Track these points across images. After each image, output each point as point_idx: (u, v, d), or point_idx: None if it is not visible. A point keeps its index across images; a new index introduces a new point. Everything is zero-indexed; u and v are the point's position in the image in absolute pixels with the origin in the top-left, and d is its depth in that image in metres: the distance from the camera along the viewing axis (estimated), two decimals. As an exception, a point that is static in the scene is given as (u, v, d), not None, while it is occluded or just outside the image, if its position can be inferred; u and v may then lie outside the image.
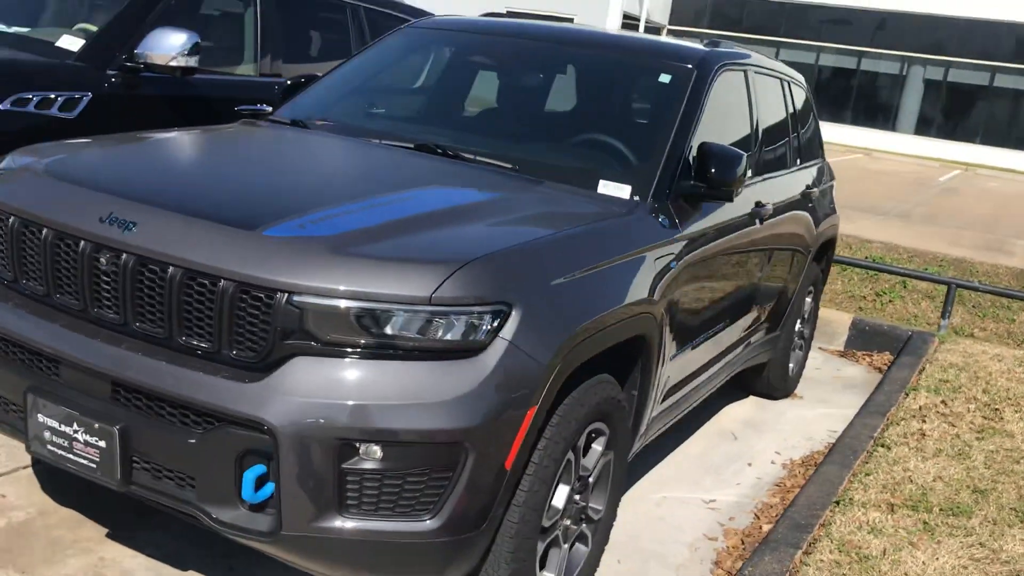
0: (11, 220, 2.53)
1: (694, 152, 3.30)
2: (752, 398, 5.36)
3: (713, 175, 3.25)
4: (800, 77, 5.41)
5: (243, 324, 2.24)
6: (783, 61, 5.39)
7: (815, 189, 5.04)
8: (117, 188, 2.46)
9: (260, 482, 2.23)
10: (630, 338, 2.88)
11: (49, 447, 2.42)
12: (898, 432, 4.31)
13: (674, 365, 3.40)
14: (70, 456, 2.39)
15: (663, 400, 3.41)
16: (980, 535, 3.30)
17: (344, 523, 2.23)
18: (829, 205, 5.47)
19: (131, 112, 4.46)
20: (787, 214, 4.50)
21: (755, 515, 3.83)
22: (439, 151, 3.25)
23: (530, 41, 3.95)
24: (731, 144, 3.84)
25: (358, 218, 2.45)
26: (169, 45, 4.47)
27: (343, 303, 2.18)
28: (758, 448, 4.59)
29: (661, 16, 36.29)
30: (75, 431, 2.35)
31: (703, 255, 3.40)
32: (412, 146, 3.30)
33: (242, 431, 2.20)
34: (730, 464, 4.35)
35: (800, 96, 5.20)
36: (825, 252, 5.60)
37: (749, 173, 3.42)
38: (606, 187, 3.17)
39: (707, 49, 3.98)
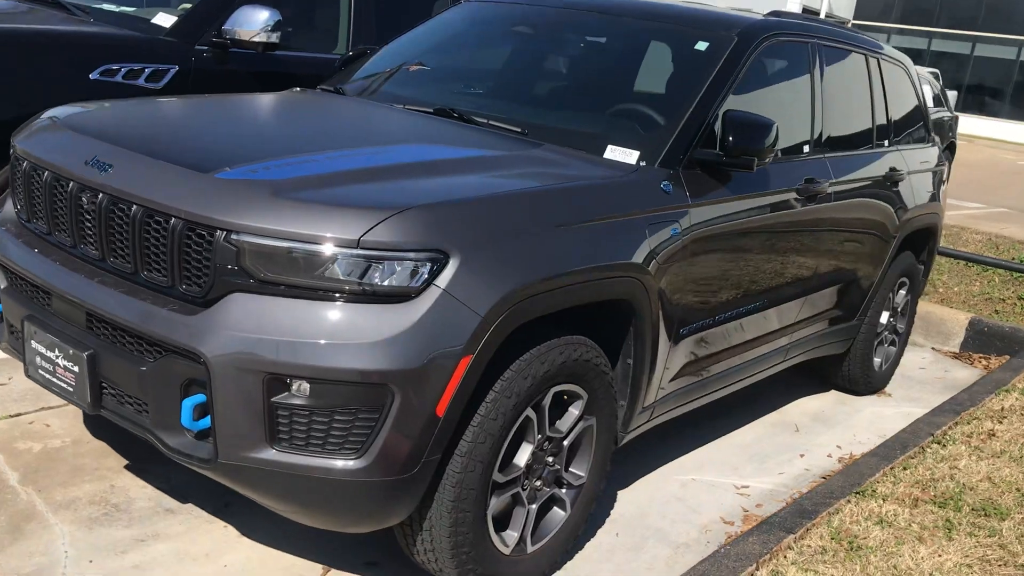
0: (24, 164, 2.78)
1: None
2: (833, 392, 5.10)
3: (731, 143, 3.14)
4: (899, 55, 5.10)
5: (190, 260, 2.37)
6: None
7: (903, 172, 4.73)
8: (105, 135, 2.66)
9: (202, 412, 2.36)
10: (610, 302, 2.83)
11: (40, 371, 2.64)
12: (964, 431, 3.99)
13: (690, 341, 3.30)
14: (54, 380, 2.60)
15: (677, 377, 3.32)
16: (1005, 538, 3.02)
17: (275, 456, 2.32)
18: (927, 192, 5.12)
19: (215, 85, 4.75)
20: (856, 197, 4.25)
21: (785, 504, 3.65)
22: (455, 115, 3.29)
23: (569, 10, 3.93)
24: (780, 118, 3.71)
25: (315, 166, 2.53)
26: (253, 21, 4.74)
27: (277, 243, 2.27)
28: (819, 441, 4.37)
29: (846, 11, 34.77)
30: (56, 356, 2.56)
31: (725, 228, 3.29)
32: (431, 110, 3.36)
33: (183, 361, 2.34)
34: (780, 454, 4.17)
35: (894, 75, 4.90)
36: (922, 242, 5.25)
37: (779, 144, 3.26)
38: (613, 152, 3.12)
39: (756, 17, 3.83)
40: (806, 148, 3.95)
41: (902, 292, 5.17)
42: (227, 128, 2.92)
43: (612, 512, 3.42)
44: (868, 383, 5.04)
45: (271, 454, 2.33)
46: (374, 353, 2.25)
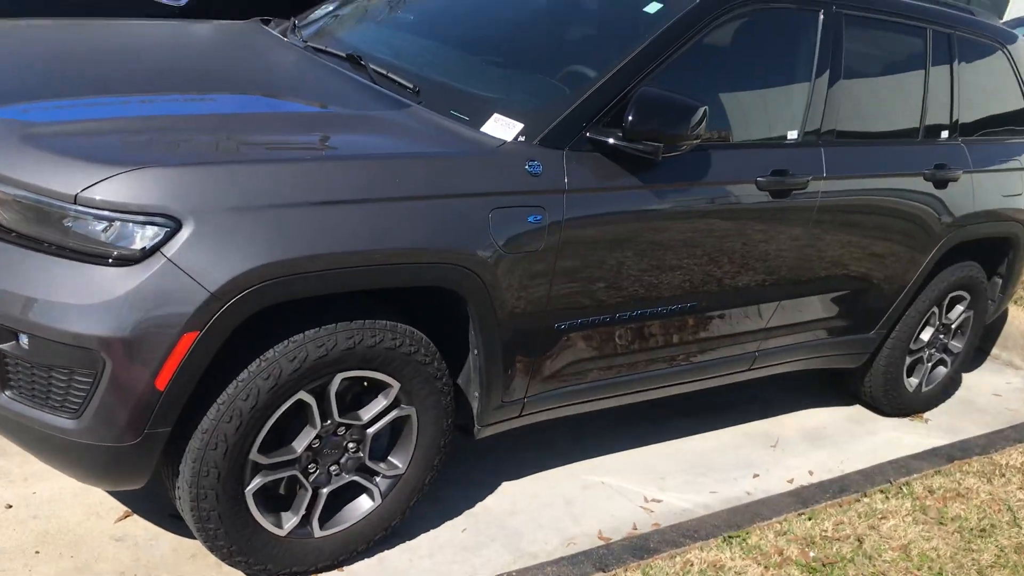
0: None
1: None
2: (858, 408, 4.55)
3: (629, 125, 2.76)
4: (996, 31, 4.30)
5: None
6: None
7: (957, 172, 4.03)
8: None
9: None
10: (439, 289, 2.60)
11: None
12: (933, 484, 3.42)
13: (575, 338, 2.99)
14: None
15: (560, 375, 3.03)
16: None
17: (7, 401, 2.32)
18: (1007, 195, 4.35)
19: (238, 3, 4.73)
20: (864, 196, 3.66)
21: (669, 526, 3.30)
22: (361, 63, 3.08)
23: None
24: (751, 99, 3.26)
25: (93, 111, 2.44)
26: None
27: (8, 189, 2.21)
28: (790, 462, 3.91)
29: None
30: None
31: (627, 220, 2.92)
32: (343, 55, 3.17)
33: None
34: (731, 470, 3.76)
35: (973, 55, 4.15)
36: (994, 253, 4.50)
37: (701, 129, 2.82)
38: (496, 122, 2.81)
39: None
40: (792, 136, 3.43)
41: (958, 308, 4.47)
42: (66, 60, 2.84)
43: (479, 504, 3.22)
44: (896, 404, 4.44)
45: (4, 399, 2.32)
46: (85, 316, 2.17)
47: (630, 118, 2.76)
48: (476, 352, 2.79)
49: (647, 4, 3.15)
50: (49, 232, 2.21)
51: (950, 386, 4.76)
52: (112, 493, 2.89)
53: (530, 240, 2.71)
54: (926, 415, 4.61)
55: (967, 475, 3.55)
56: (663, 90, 2.85)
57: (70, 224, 2.19)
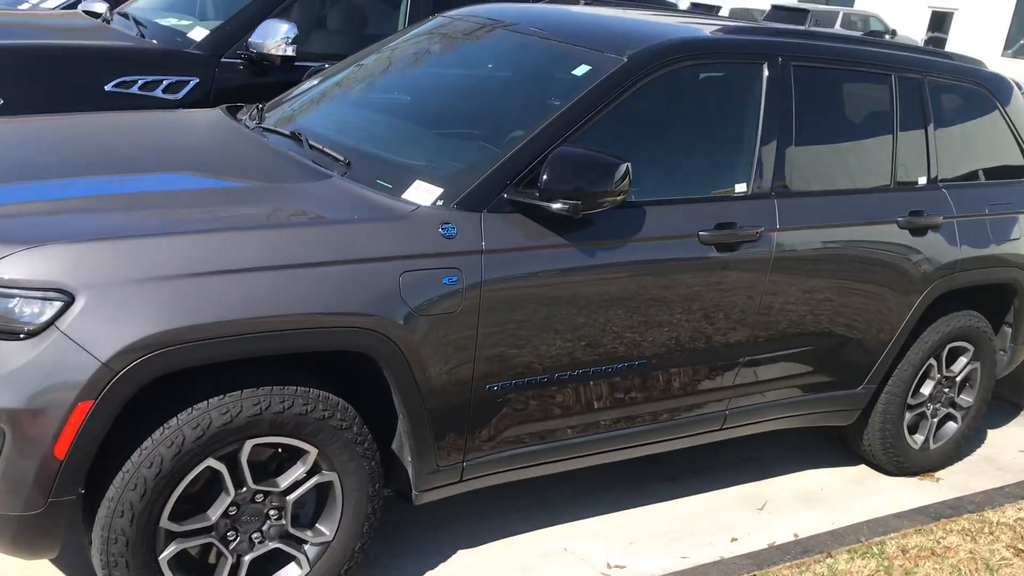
0: None
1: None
2: (860, 468, 4.36)
3: (544, 183, 2.79)
4: (978, 74, 4.22)
5: None
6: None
7: (938, 218, 3.91)
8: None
9: None
10: (353, 352, 2.64)
11: None
12: (909, 543, 3.23)
13: (511, 400, 2.98)
14: None
15: (500, 438, 3.00)
16: None
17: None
18: (1001, 240, 4.19)
19: (233, 97, 4.96)
20: (828, 247, 3.58)
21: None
22: (300, 139, 3.19)
23: (487, 28, 3.66)
24: (690, 151, 3.27)
25: (7, 196, 2.58)
26: (274, 33, 4.90)
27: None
28: (776, 525, 3.75)
29: None
30: None
31: (553, 279, 2.92)
32: (287, 133, 3.29)
33: None
34: (709, 534, 3.64)
35: (950, 100, 4.07)
36: (995, 301, 4.32)
37: (624, 185, 2.82)
38: (417, 188, 2.87)
39: (677, 35, 3.34)
40: (740, 189, 3.39)
41: (961, 359, 4.28)
42: (14, 149, 3.03)
43: (429, 574, 3.18)
44: (899, 463, 4.24)
45: (-80, 468, 2.42)
46: (-26, 389, 2.27)
47: (544, 177, 2.78)
48: (401, 416, 2.80)
49: (576, 66, 3.19)
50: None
51: (966, 443, 4.52)
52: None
53: (446, 302, 2.72)
54: (939, 474, 4.38)
55: (950, 533, 3.36)
56: (583, 148, 2.87)
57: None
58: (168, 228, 2.48)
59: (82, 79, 4.62)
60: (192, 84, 4.88)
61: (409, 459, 2.87)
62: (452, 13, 4.02)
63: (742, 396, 3.60)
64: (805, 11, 27.34)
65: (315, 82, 3.93)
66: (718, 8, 23.57)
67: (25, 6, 7.25)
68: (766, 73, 3.44)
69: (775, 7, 27.76)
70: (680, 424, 3.47)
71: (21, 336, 2.29)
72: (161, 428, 2.43)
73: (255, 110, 3.72)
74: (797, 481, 4.17)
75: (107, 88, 4.68)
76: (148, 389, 2.38)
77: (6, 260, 2.28)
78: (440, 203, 2.82)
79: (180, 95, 4.86)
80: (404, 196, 2.85)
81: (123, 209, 2.56)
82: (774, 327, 3.52)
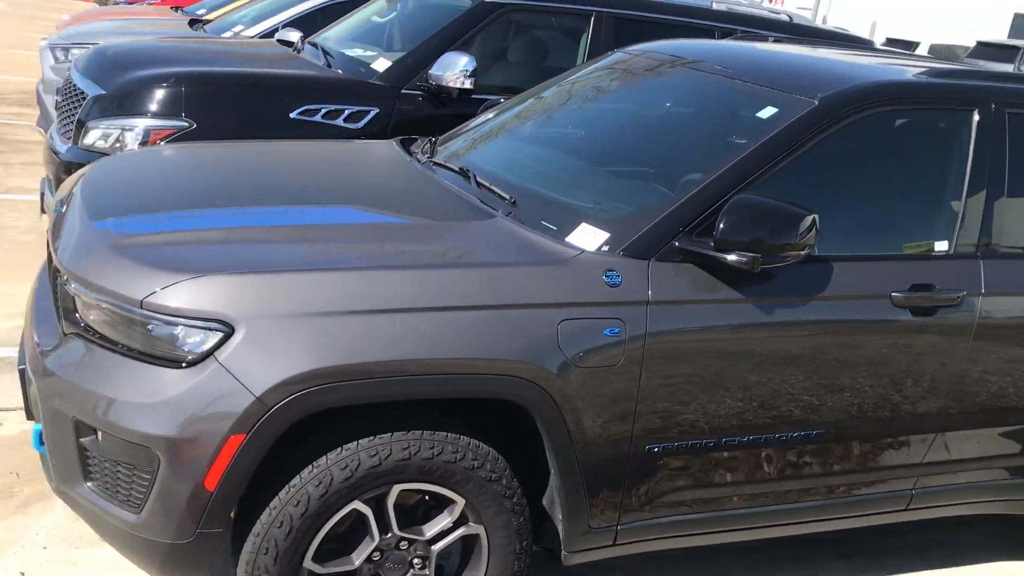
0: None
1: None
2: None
3: (720, 233, 2.61)
4: None
5: (60, 299, 2.61)
6: None
7: None
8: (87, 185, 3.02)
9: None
10: (503, 401, 2.53)
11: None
12: None
13: (673, 461, 2.79)
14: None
15: (659, 502, 2.82)
16: None
17: (89, 493, 2.48)
18: None
19: (411, 128, 5.01)
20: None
21: None
22: (468, 176, 3.14)
23: (668, 65, 3.50)
24: (885, 206, 3.01)
25: (181, 223, 2.63)
26: (453, 66, 4.93)
27: (92, 295, 2.42)
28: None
29: None
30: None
31: (730, 335, 2.72)
32: (456, 169, 3.24)
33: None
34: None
35: None
36: None
37: (810, 239, 2.59)
38: (583, 231, 2.74)
39: (878, 78, 3.08)
40: (940, 246, 3.07)
41: None
42: (187, 177, 3.11)
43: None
44: (1116, 563, 3.73)
45: (86, 490, 2.48)
46: (143, 415, 2.29)
47: (720, 226, 2.59)
48: (553, 471, 2.66)
49: (761, 108, 2.98)
50: (121, 335, 2.38)
51: None
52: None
53: (606, 354, 2.57)
54: None
55: None
56: (765, 197, 2.66)
57: (137, 328, 2.34)
58: (330, 263, 2.45)
59: (270, 106, 4.78)
60: (372, 114, 4.96)
61: (560, 517, 2.72)
62: (633, 48, 3.89)
63: (932, 475, 3.25)
64: (1015, 48, 25.54)
65: (489, 116, 3.89)
66: (916, 44, 22.38)
67: (228, 34, 7.67)
68: (976, 120, 3.11)
69: (980, 43, 26.09)
70: (859, 501, 3.16)
71: (183, 365, 2.30)
72: (310, 466, 2.39)
73: (428, 144, 3.70)
74: (991, 572, 3.73)
75: (292, 115, 4.81)
76: (299, 426, 2.35)
77: (170, 289, 2.31)
78: (605, 248, 2.67)
79: (360, 124, 4.95)
80: (568, 239, 2.72)
81: (288, 242, 2.55)
82: (972, 399, 3.16)
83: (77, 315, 2.49)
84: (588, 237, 2.72)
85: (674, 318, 2.65)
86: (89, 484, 2.48)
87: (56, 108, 5.34)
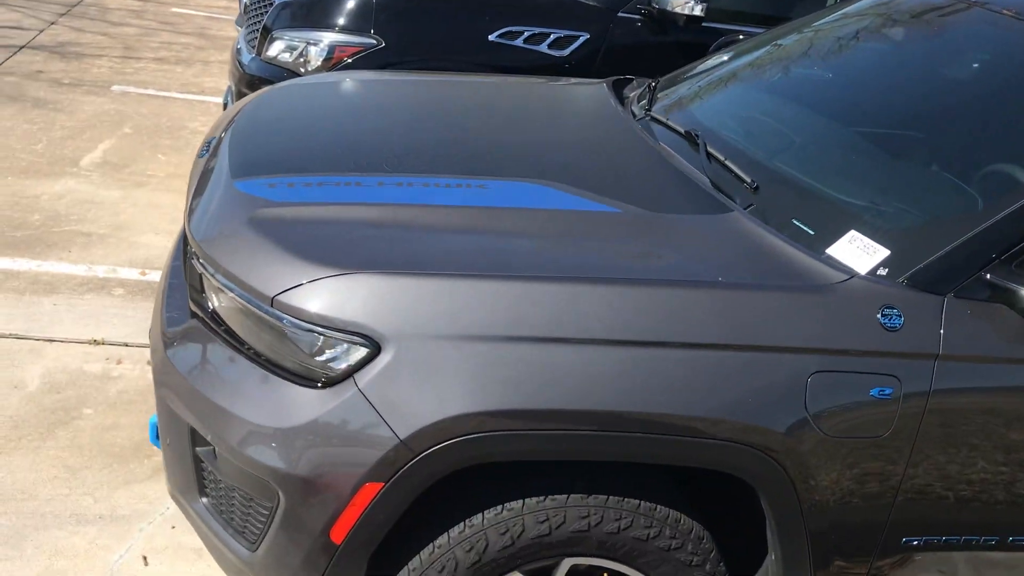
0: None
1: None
2: None
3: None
4: None
5: (190, 272, 2.17)
6: None
7: None
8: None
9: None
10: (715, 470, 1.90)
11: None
12: None
13: (936, 561, 2.10)
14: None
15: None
16: None
17: (203, 510, 2.07)
18: None
19: (624, 56, 4.31)
20: None
21: None
22: (696, 142, 2.45)
23: (959, 8, 2.62)
24: None
25: (337, 193, 2.06)
26: (684, -9, 4.17)
27: (218, 277, 1.95)
28: None
29: None
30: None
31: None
32: (681, 131, 2.56)
33: (159, 374, 2.18)
34: None
35: None
36: None
37: None
38: (850, 243, 2.02)
39: None
40: None
41: None
42: (357, 126, 2.52)
43: None
44: None
45: (201, 506, 2.07)
46: (261, 440, 1.82)
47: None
48: (774, 557, 2.02)
49: None
50: (250, 334, 1.90)
51: None
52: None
53: (870, 421, 1.88)
54: None
55: None
56: None
57: (266, 329, 1.86)
58: (513, 268, 1.85)
59: (468, 27, 4.22)
60: (581, 40, 4.30)
61: (776, 610, 2.09)
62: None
63: None
64: None
65: (724, 59, 3.14)
66: None
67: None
68: None
69: None
70: None
71: (318, 384, 1.80)
72: (461, 525, 1.87)
73: (646, 89, 3.02)
74: None
75: (491, 38, 4.23)
76: (452, 477, 1.81)
77: (311, 288, 1.79)
78: (883, 272, 1.95)
79: (566, 52, 4.30)
80: (830, 252, 2.01)
81: (462, 231, 1.97)
82: None
83: (204, 297, 2.04)
84: (858, 253, 2.00)
85: (973, 380, 1.92)
86: (204, 500, 2.06)
87: (244, 10, 4.97)
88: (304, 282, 1.80)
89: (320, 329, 1.78)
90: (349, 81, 2.93)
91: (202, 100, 6.56)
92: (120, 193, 4.82)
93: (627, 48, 4.31)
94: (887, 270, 1.95)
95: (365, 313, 1.76)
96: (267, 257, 1.86)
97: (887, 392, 1.87)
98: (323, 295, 1.78)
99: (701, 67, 3.18)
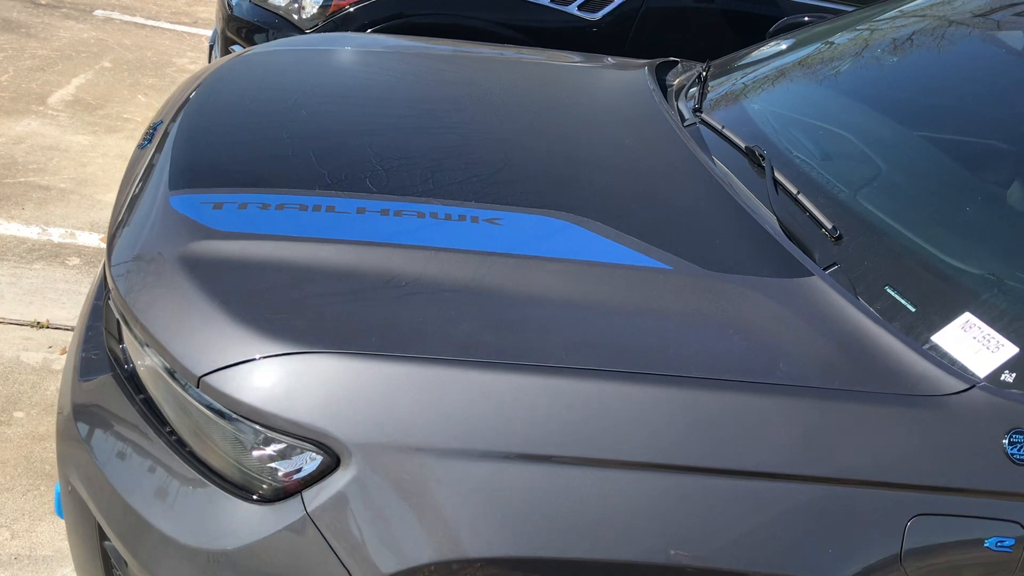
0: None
1: None
2: None
3: None
4: None
5: (104, 314, 1.70)
6: None
7: None
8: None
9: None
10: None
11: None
12: None
13: None
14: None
15: None
16: None
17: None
18: None
19: (665, 24, 3.78)
20: None
21: None
22: (761, 162, 1.96)
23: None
24: None
25: (294, 222, 1.57)
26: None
27: (133, 334, 1.48)
28: None
29: None
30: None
31: None
32: (742, 147, 2.07)
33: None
34: None
35: None
36: None
37: None
38: (964, 331, 1.55)
39: None
40: None
41: None
42: (329, 122, 2.00)
43: None
44: None
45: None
46: (176, 560, 1.38)
47: None
48: None
49: None
50: (174, 414, 1.44)
51: None
52: None
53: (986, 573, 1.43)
54: None
55: None
56: None
57: (192, 416, 1.40)
58: (530, 353, 1.37)
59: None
60: (617, 2, 3.75)
61: None
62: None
63: None
64: None
65: (788, 47, 2.62)
66: None
67: None
68: None
69: None
70: None
71: (254, 498, 1.35)
72: None
73: (696, 79, 2.51)
74: None
75: (513, -6, 3.68)
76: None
77: (253, 368, 1.33)
78: (1009, 379, 1.48)
79: (599, 15, 3.76)
80: (937, 340, 1.54)
81: (465, 292, 1.48)
82: None
83: (123, 349, 1.58)
84: (976, 348, 1.52)
85: None
86: (113, 600, 1.63)
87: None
88: (242, 360, 1.33)
89: (254, 426, 1.32)
90: (336, 52, 2.41)
91: (193, 33, 6.00)
92: (89, 139, 4.32)
93: (669, 11, 3.77)
94: (1014, 375, 1.48)
95: (323, 410, 1.30)
96: (196, 318, 1.38)
97: (1006, 544, 1.42)
98: (266, 380, 1.31)
99: (760, 54, 2.66)
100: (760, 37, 2.99)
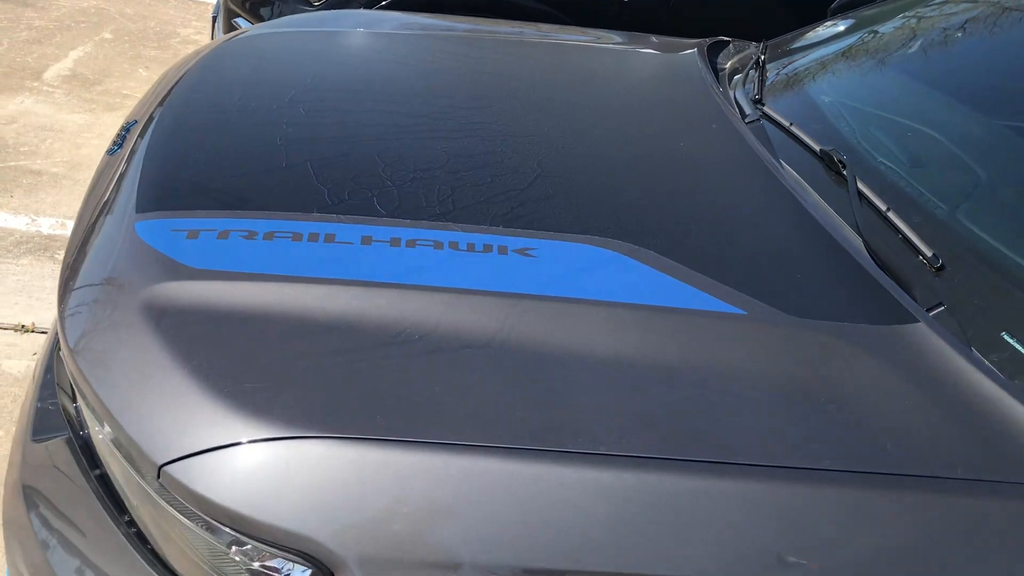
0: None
1: None
2: None
3: None
4: None
5: (56, 371, 1.43)
6: None
7: None
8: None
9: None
10: None
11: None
12: None
13: None
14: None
15: None
16: None
17: None
18: None
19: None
20: None
21: None
22: (841, 172, 1.66)
23: None
24: None
25: (296, 256, 1.28)
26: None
27: (88, 403, 1.21)
28: None
29: None
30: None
31: None
32: (817, 150, 1.76)
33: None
34: None
35: None
36: None
37: None
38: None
39: None
40: None
41: None
42: (329, 126, 1.69)
43: None
44: None
45: None
46: None
47: None
48: None
49: None
50: (130, 496, 1.17)
51: None
52: None
53: None
54: None
55: None
56: None
57: (152, 508, 1.13)
58: (572, 437, 1.09)
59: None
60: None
61: None
62: None
63: None
64: None
65: (851, 26, 2.30)
66: None
67: None
68: None
69: None
70: None
71: (220, 613, 1.08)
72: None
73: (752, 61, 2.20)
74: None
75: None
76: None
77: (226, 459, 1.05)
78: None
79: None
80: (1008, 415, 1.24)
81: (493, 349, 1.18)
82: None
83: (77, 409, 1.31)
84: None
85: None
86: None
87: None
88: (214, 446, 1.05)
89: (230, 532, 1.05)
90: (342, 34, 2.11)
91: (199, 1, 5.70)
92: (86, 118, 4.05)
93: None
94: None
95: (314, 513, 1.03)
96: (158, 388, 1.11)
97: None
98: (244, 473, 1.04)
99: (824, 33, 2.34)
100: (818, 13, 2.67)
